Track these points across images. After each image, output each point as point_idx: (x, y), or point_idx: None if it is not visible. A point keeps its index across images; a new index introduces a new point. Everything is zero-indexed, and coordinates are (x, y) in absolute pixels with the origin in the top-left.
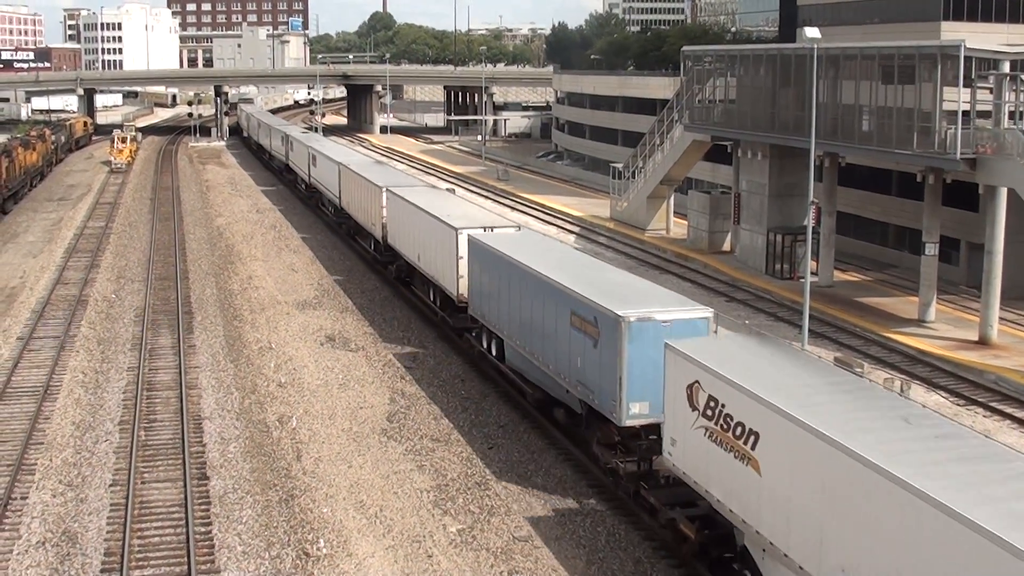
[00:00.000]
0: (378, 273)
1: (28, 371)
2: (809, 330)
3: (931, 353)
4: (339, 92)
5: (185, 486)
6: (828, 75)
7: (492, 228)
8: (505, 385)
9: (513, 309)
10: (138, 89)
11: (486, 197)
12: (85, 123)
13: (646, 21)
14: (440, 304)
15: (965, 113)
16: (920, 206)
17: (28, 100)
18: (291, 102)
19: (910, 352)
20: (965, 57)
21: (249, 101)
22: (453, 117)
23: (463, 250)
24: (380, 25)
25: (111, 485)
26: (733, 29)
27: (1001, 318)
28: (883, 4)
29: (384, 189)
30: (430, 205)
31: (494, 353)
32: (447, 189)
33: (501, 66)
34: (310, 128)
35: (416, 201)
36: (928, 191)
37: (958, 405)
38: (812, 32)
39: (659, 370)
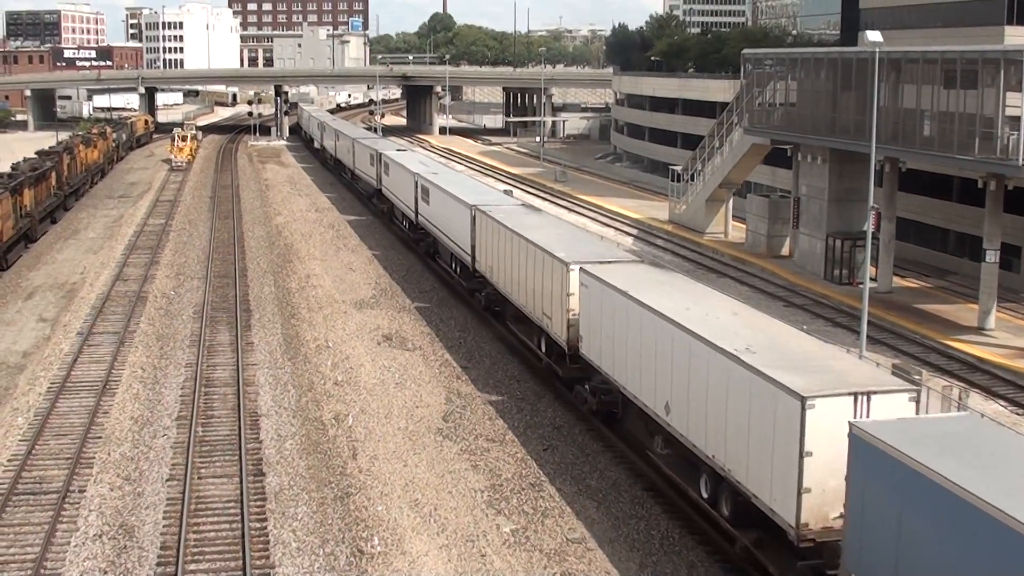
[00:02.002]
0: (435, 274)
1: (87, 366)
2: (867, 336)
3: (990, 361)
4: (391, 93)
5: (241, 482)
6: (889, 79)
7: (869, 393)
8: None
9: None
10: (199, 88)
11: (543, 199)
12: (146, 121)
13: (706, 23)
14: (733, 514)
15: None
16: (981, 212)
17: (90, 98)
18: (334, 105)
19: (969, 360)
20: None
21: (310, 102)
22: (511, 118)
23: (817, 443)
24: (440, 26)
25: (168, 480)
26: (794, 32)
27: None
28: (946, 8)
29: (574, 268)
30: (689, 317)
31: None
32: (504, 191)
33: (560, 67)
34: (370, 128)
35: (659, 307)
36: (989, 197)
37: (1016, 414)
38: (874, 36)
39: None
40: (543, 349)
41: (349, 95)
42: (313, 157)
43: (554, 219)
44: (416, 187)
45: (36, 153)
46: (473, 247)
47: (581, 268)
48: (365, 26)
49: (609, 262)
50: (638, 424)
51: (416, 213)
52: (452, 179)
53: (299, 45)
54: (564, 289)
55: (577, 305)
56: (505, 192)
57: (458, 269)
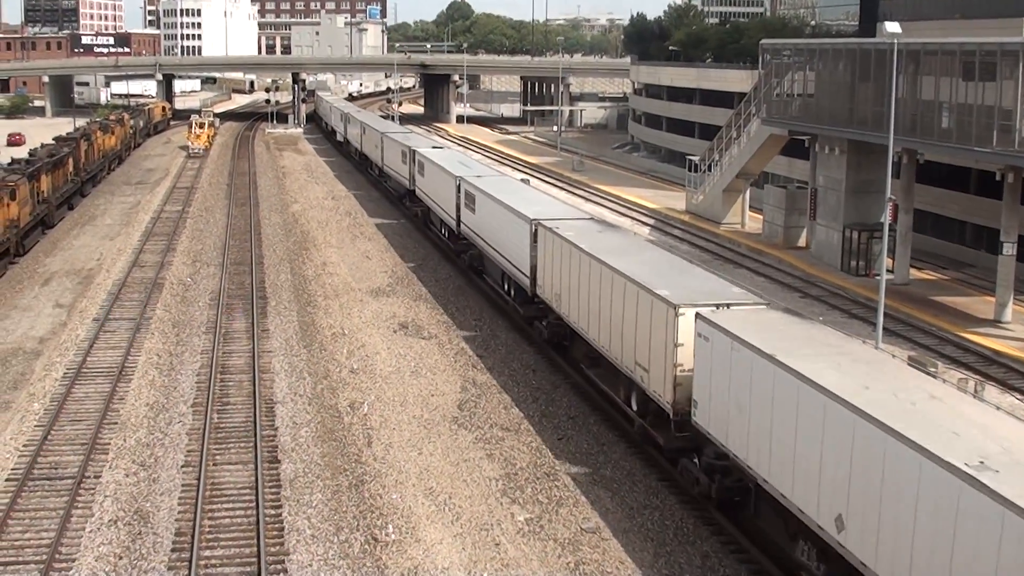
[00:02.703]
0: (451, 261)
1: (104, 352)
2: (884, 328)
3: (1007, 354)
4: (403, 82)
5: (256, 469)
6: (908, 71)
7: None
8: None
9: None
10: (216, 75)
11: (561, 188)
12: (163, 108)
13: (725, 13)
14: None
15: None
16: (999, 205)
17: (107, 85)
18: (345, 94)
19: (985, 353)
20: None
21: (327, 89)
22: (529, 107)
23: None
24: (458, 15)
25: (183, 466)
26: (813, 23)
27: None
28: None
29: (685, 312)
30: (875, 402)
31: None
32: (522, 179)
33: (578, 56)
34: (387, 117)
35: (828, 383)
36: (1007, 190)
37: None
38: (893, 27)
39: None
40: (635, 407)
41: (360, 84)
42: (332, 147)
43: (638, 239)
44: (459, 192)
45: (54, 139)
46: (533, 269)
47: (698, 314)
48: (383, 14)
49: (729, 304)
50: (775, 521)
51: (458, 221)
52: (503, 185)
53: (317, 33)
54: (671, 338)
55: (689, 360)
56: (523, 181)
57: (512, 292)
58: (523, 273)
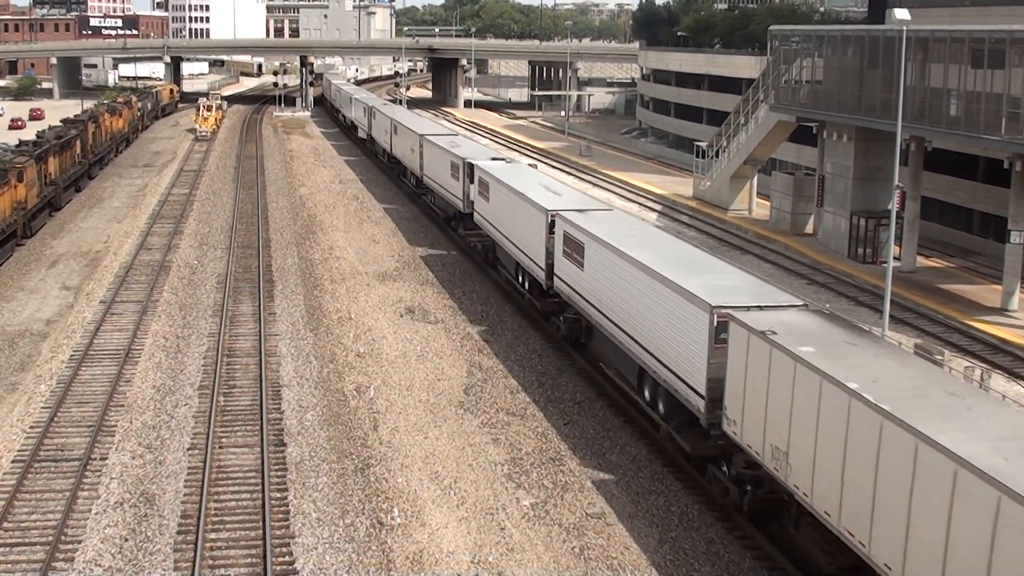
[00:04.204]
0: (459, 247)
1: (110, 334)
2: (890, 316)
3: (1013, 342)
4: (398, 67)
5: (262, 452)
6: (916, 58)
7: None
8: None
9: None
10: (224, 58)
11: (568, 173)
12: (171, 91)
13: None
14: None
15: None
16: (1006, 193)
17: (115, 67)
18: (344, 79)
19: (992, 341)
20: None
21: (338, 74)
22: (537, 92)
23: None
24: None
25: (189, 449)
26: (821, 9)
27: None
28: None
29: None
30: None
31: None
32: (530, 164)
33: (586, 41)
34: (394, 101)
35: None
36: (1015, 178)
37: None
38: (902, 14)
39: None
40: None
41: (357, 70)
42: (340, 130)
43: (930, 367)
44: (551, 232)
45: (61, 121)
46: (716, 385)
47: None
48: None
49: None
50: None
51: (550, 273)
52: (628, 228)
53: (325, 16)
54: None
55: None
56: (530, 166)
57: (661, 405)
58: (692, 388)
